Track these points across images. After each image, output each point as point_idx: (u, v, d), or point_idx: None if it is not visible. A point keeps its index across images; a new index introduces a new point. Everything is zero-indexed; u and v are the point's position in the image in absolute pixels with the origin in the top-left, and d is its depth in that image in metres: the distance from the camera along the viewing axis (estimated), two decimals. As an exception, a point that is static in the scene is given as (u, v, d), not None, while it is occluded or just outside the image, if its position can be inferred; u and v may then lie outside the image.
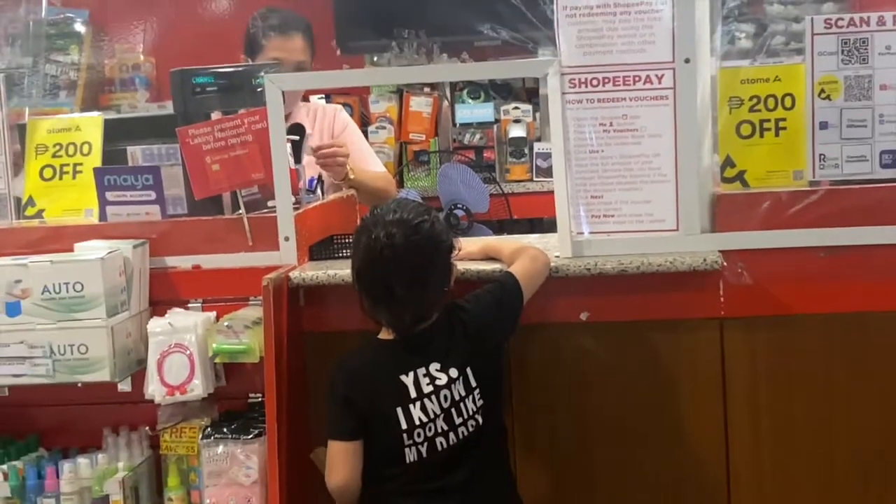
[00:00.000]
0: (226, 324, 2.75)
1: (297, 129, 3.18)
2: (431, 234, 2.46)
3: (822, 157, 2.72)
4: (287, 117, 3.57)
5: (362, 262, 2.47)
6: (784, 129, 2.74)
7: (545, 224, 4.77)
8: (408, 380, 2.44)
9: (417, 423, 2.42)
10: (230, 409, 2.88)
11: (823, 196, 2.71)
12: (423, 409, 2.43)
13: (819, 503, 2.76)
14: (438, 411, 2.43)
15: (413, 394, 2.43)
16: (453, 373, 2.45)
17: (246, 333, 2.73)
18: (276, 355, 2.68)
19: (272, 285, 2.69)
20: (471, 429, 2.46)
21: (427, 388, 2.43)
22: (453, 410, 2.44)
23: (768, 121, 2.75)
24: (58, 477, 2.80)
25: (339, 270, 2.81)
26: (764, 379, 2.75)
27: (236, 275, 2.88)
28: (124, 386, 2.82)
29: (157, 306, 2.88)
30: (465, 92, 5.28)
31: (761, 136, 2.75)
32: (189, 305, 2.88)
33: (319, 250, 3.02)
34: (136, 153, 3.02)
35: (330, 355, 2.85)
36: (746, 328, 2.74)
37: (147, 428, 2.89)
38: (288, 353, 2.75)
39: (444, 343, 2.48)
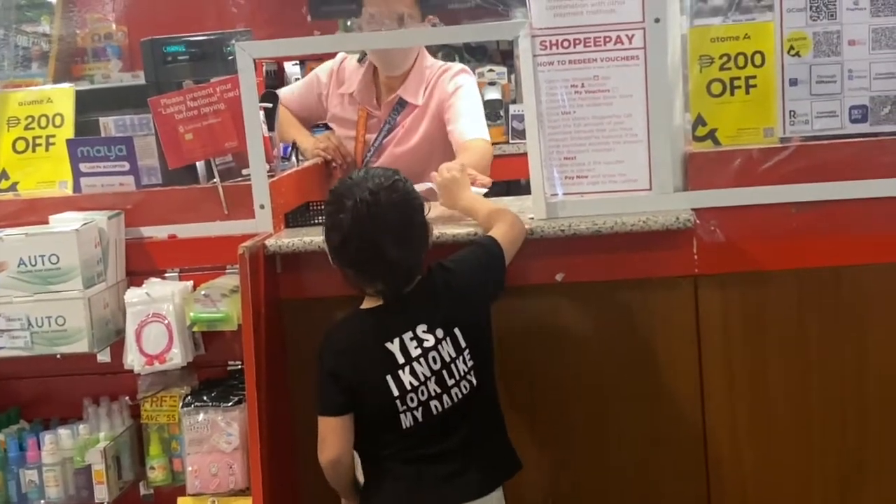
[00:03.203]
0: (203, 292, 2.75)
1: (270, 97, 3.17)
2: (408, 190, 2.46)
3: (793, 113, 2.74)
4: (401, 83, 3.54)
5: (349, 228, 2.39)
6: (754, 86, 2.75)
7: (522, 186, 4.77)
8: (394, 346, 2.41)
9: (409, 387, 2.40)
10: (210, 376, 2.89)
11: (794, 152, 2.73)
12: (413, 372, 2.40)
13: (794, 458, 2.79)
14: (429, 373, 2.41)
15: (401, 359, 2.40)
16: (439, 333, 2.42)
17: (223, 302, 2.74)
18: (254, 323, 2.69)
19: (248, 253, 2.69)
20: (465, 390, 2.43)
21: (415, 352, 2.41)
22: (444, 372, 2.42)
23: (738, 79, 2.76)
24: (39, 448, 2.82)
25: (316, 237, 2.81)
26: (738, 335, 2.78)
27: (212, 243, 2.88)
28: (103, 356, 2.84)
29: (134, 277, 2.89)
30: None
31: (732, 94, 2.76)
32: (166, 275, 2.88)
33: (295, 217, 3.02)
34: (109, 124, 3.02)
35: (308, 322, 2.88)
36: (720, 285, 2.76)
37: (127, 398, 2.90)
38: (266, 321, 2.76)
39: (428, 304, 2.45)
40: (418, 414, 2.41)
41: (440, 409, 2.42)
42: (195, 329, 2.78)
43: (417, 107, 3.50)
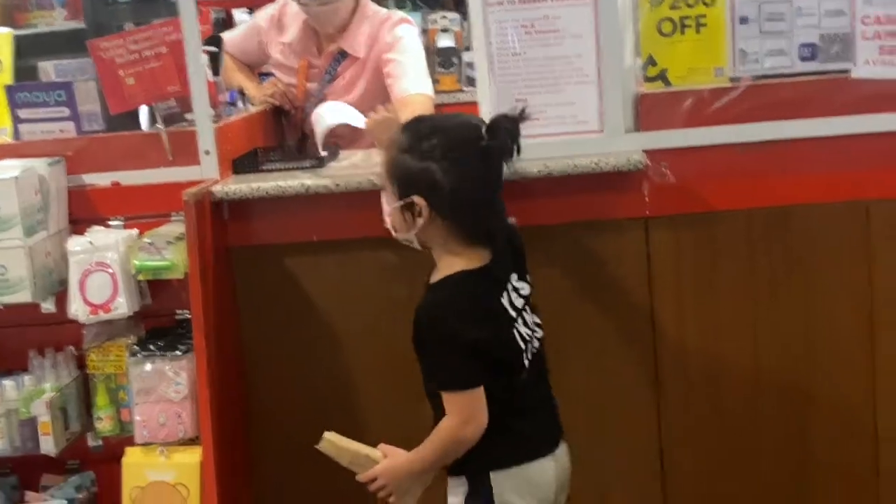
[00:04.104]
0: (147, 240, 2.71)
1: (215, 41, 3.11)
2: None
3: (743, 52, 2.72)
4: (341, 33, 3.48)
5: (476, 171, 2.18)
6: (704, 25, 2.73)
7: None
8: (505, 301, 2.26)
9: (526, 337, 2.26)
10: (157, 326, 2.85)
11: (744, 92, 2.71)
12: (525, 322, 2.27)
13: (745, 397, 2.80)
14: (530, 321, 2.30)
15: (513, 313, 2.26)
16: (521, 281, 2.31)
17: (168, 249, 2.69)
18: (201, 270, 2.65)
19: (193, 200, 2.65)
20: (538, 335, 2.34)
21: (518, 303, 2.28)
22: (532, 318, 2.32)
23: (689, 17, 2.73)
24: (-16, 400, 2.77)
25: (264, 183, 2.78)
26: (689, 275, 2.77)
27: (157, 191, 2.83)
28: (48, 306, 2.78)
29: (77, 225, 2.84)
30: (390, 2, 5.20)
31: (682, 32, 2.74)
32: (110, 223, 2.83)
33: (243, 164, 2.98)
34: (48, 69, 2.97)
35: (257, 269, 2.85)
36: (671, 226, 2.75)
37: (73, 348, 2.86)
38: (214, 269, 2.72)
39: (507, 252, 2.30)
40: (528, 363, 2.29)
41: (535, 354, 2.31)
42: (140, 278, 2.74)
43: (358, 58, 3.45)
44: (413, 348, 2.22)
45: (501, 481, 2.21)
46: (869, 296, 2.74)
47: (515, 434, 2.23)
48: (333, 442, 2.31)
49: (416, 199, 2.15)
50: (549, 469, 2.26)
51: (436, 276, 2.24)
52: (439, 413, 2.23)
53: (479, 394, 2.18)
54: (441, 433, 2.20)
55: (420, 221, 2.17)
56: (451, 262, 2.21)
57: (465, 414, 2.18)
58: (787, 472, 2.82)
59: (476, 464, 2.22)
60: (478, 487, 2.22)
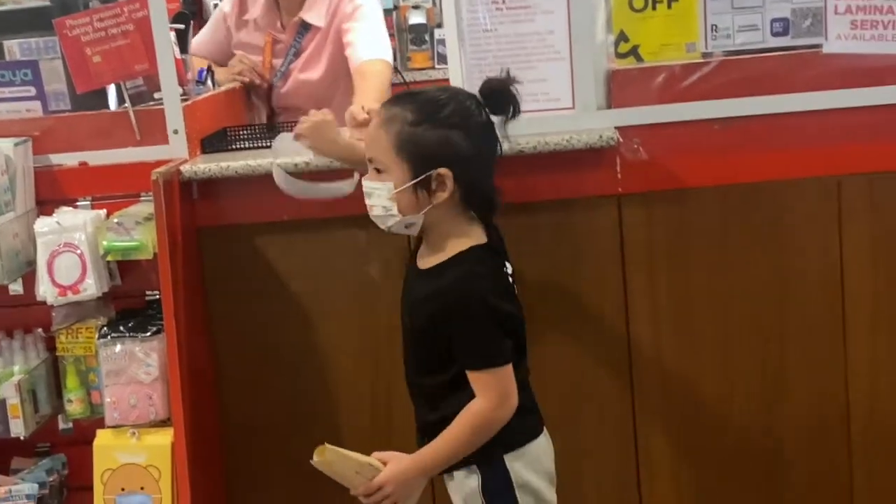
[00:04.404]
0: (116, 221, 2.68)
1: (182, 18, 3.07)
2: None
3: (714, 27, 2.71)
4: (301, 5, 3.46)
5: (490, 140, 2.17)
6: (676, 0, 2.71)
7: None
8: (507, 273, 2.25)
9: (523, 311, 2.25)
10: (127, 307, 2.83)
11: (716, 67, 2.70)
12: (520, 296, 2.25)
13: (718, 373, 2.81)
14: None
15: (515, 286, 2.25)
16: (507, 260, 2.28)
17: (137, 230, 2.67)
18: (171, 251, 2.63)
19: (162, 179, 2.62)
20: None
21: (510, 278, 2.25)
22: None
23: (661, -8, 2.72)
24: (-48, 383, 2.74)
25: (233, 162, 2.76)
26: (662, 253, 2.77)
27: (125, 170, 2.80)
28: (16, 287, 2.76)
29: (45, 206, 2.80)
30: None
31: (654, 8, 2.72)
32: (78, 204, 2.80)
33: (212, 143, 2.95)
34: (13, 47, 2.92)
35: (227, 249, 2.83)
36: (644, 203, 2.75)
37: (41, 330, 2.83)
38: (183, 249, 2.70)
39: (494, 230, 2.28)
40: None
41: None
42: (109, 258, 2.71)
43: (321, 29, 3.43)
44: (421, 334, 2.15)
45: (515, 462, 2.17)
46: (839, 270, 2.75)
47: (524, 412, 2.18)
48: (337, 451, 2.17)
49: (441, 171, 2.09)
50: (548, 444, 2.25)
51: (436, 258, 2.17)
52: (434, 403, 2.17)
53: (509, 370, 2.13)
54: (473, 418, 2.12)
55: (440, 196, 2.11)
56: (458, 241, 2.16)
57: (501, 393, 2.12)
58: (759, 445, 2.83)
59: (489, 449, 2.15)
60: (492, 474, 2.16)
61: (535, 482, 2.19)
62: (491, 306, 2.11)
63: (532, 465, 2.19)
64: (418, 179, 2.10)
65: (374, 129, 2.15)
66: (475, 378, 2.12)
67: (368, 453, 2.22)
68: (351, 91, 3.30)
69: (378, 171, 2.14)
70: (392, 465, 2.18)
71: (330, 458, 2.17)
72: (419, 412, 2.26)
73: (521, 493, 2.17)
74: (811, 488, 2.83)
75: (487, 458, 2.15)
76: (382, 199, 2.13)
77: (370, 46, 3.34)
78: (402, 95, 2.20)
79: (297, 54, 3.47)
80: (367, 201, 2.17)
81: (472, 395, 2.12)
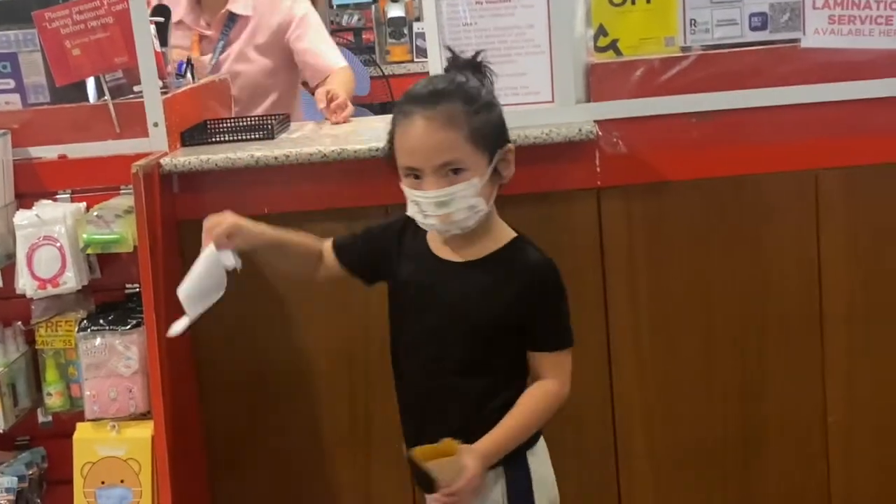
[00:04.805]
0: (96, 214, 2.68)
1: (162, 11, 3.07)
2: None
3: (693, 22, 2.72)
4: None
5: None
6: (655, -6, 2.73)
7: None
8: None
9: None
10: (107, 300, 2.82)
11: (695, 62, 2.72)
12: None
13: (697, 367, 2.82)
14: None
15: None
16: None
17: (117, 223, 2.66)
18: (151, 244, 2.63)
19: (142, 172, 2.62)
20: None
21: None
22: None
23: (640, -13, 2.73)
24: (-69, 377, 2.73)
25: (213, 155, 2.75)
26: (641, 246, 2.78)
27: (105, 163, 2.80)
28: (-5, 281, 2.75)
29: (24, 199, 2.79)
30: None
31: (633, 2, 2.74)
32: (57, 197, 2.79)
33: (192, 136, 2.95)
34: (-8, 40, 2.90)
35: (207, 242, 2.82)
36: (623, 197, 2.76)
37: (20, 323, 2.82)
38: (163, 242, 2.70)
39: None
40: None
41: None
42: (89, 251, 2.70)
43: (249, 18, 3.48)
44: (487, 327, 2.05)
45: (532, 459, 2.14)
46: (817, 263, 2.77)
47: None
48: (429, 448, 2.01)
49: (510, 145, 2.08)
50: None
51: (485, 246, 2.09)
52: (478, 404, 2.08)
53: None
54: (548, 398, 2.09)
55: (509, 174, 2.09)
56: (503, 226, 2.14)
57: (569, 374, 2.14)
58: (737, 439, 2.85)
59: (517, 448, 2.11)
60: (516, 473, 2.12)
61: (550, 476, 2.18)
62: (565, 288, 2.13)
63: (542, 455, 2.18)
64: (494, 163, 2.05)
65: (436, 134, 2.00)
66: (552, 359, 2.11)
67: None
68: (293, 85, 3.66)
69: (454, 172, 2.00)
70: (473, 456, 2.01)
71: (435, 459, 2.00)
72: (438, 416, 2.12)
73: (537, 488, 2.14)
74: (789, 483, 2.85)
75: (514, 456, 2.10)
76: (467, 198, 2.01)
77: (335, 54, 3.65)
78: (435, 94, 2.05)
79: (226, 46, 3.52)
80: (443, 210, 2.01)
81: (514, 397, 2.08)
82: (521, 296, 2.07)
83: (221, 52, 3.53)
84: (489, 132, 2.04)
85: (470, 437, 2.04)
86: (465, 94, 2.05)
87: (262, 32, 3.55)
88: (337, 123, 3.17)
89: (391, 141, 2.09)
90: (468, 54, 2.16)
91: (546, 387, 2.10)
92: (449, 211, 2.01)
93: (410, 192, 2.04)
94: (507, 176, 2.10)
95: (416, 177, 2.03)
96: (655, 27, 2.74)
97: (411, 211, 2.07)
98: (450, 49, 2.16)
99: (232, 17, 3.54)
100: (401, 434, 2.22)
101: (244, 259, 2.79)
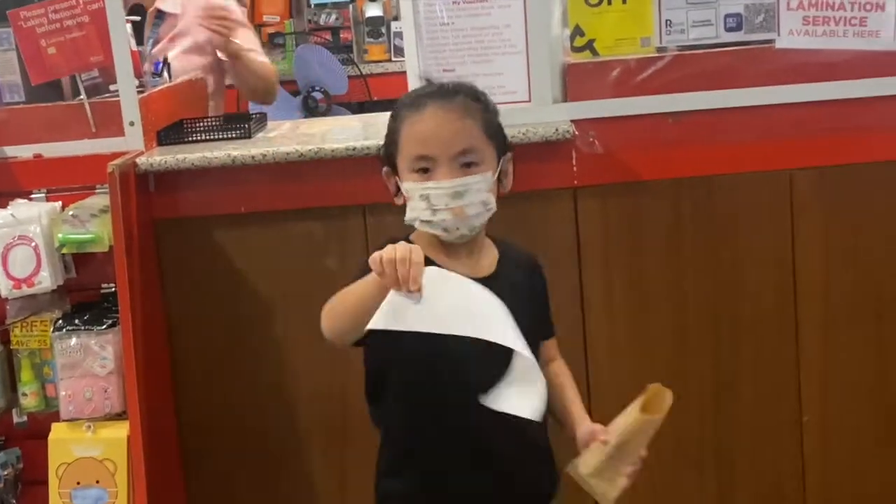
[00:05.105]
0: (71, 213, 2.66)
1: (138, 10, 3.07)
2: None
3: (669, 22, 2.73)
4: None
5: None
6: (631, -5, 2.74)
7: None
8: None
9: None
10: (83, 300, 2.81)
11: (671, 62, 2.73)
12: None
13: (672, 366, 2.83)
14: None
15: None
16: None
17: (93, 222, 2.65)
18: (127, 243, 2.62)
19: (118, 171, 2.61)
20: None
21: None
22: None
23: (616, -13, 2.74)
24: None
25: (190, 154, 2.75)
26: (617, 245, 2.79)
27: (81, 163, 2.79)
28: (-31, 281, 2.73)
29: (-1, 198, 2.79)
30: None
31: (609, 3, 2.75)
32: (32, 196, 2.78)
33: (169, 135, 2.94)
34: (-34, 39, 2.88)
35: (183, 242, 2.82)
36: (599, 196, 2.77)
37: (-7, 323, 2.81)
38: (139, 241, 2.69)
39: None
40: None
41: None
42: (64, 251, 2.69)
43: (177, 16, 3.52)
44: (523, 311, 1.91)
45: None
46: (792, 262, 2.78)
47: None
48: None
49: (510, 154, 2.05)
50: None
51: (489, 261, 2.04)
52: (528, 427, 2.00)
53: None
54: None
55: (507, 184, 2.05)
56: (486, 238, 2.07)
57: None
58: (711, 438, 2.86)
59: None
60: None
61: None
62: None
63: None
64: (500, 166, 2.00)
65: (455, 122, 1.93)
66: (551, 343, 2.17)
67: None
68: (220, 86, 3.75)
69: (470, 164, 1.94)
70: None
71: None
72: (480, 445, 1.99)
73: None
74: (764, 483, 2.87)
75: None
76: (482, 192, 1.94)
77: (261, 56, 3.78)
78: (448, 89, 2.01)
79: (154, 43, 3.53)
80: (457, 202, 1.92)
81: None
82: (542, 290, 2.15)
83: (150, 48, 3.53)
84: (498, 132, 2.02)
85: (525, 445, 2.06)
86: (476, 92, 2.03)
87: (192, 31, 3.56)
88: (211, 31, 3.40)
89: (391, 137, 2.01)
90: (445, 79, 2.10)
91: (564, 365, 2.19)
92: (463, 203, 1.92)
93: (418, 187, 1.93)
94: (506, 185, 2.05)
95: (425, 170, 1.94)
96: (631, 28, 2.75)
97: (413, 213, 1.96)
98: (427, 79, 2.11)
99: (160, 15, 3.55)
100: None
101: (220, 261, 2.79)
